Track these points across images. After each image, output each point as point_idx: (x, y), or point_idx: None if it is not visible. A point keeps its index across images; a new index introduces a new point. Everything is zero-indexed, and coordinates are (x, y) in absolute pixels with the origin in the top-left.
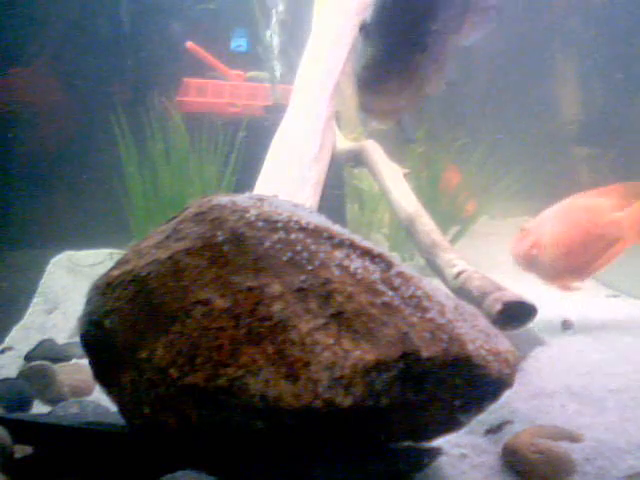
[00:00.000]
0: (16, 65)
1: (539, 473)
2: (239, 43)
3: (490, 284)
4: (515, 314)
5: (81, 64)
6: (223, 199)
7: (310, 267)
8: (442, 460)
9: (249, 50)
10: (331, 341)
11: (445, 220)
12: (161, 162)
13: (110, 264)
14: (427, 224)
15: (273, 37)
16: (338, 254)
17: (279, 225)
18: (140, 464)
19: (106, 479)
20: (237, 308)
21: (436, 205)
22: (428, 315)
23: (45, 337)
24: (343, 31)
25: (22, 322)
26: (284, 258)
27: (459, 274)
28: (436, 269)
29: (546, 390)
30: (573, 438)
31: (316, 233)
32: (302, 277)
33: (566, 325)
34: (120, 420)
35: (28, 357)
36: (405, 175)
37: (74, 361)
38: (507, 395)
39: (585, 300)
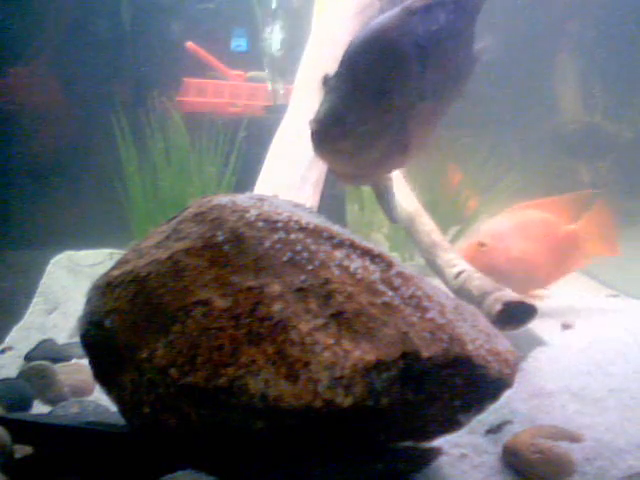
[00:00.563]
0: (16, 65)
1: (539, 473)
2: (239, 43)
3: (490, 284)
4: (515, 314)
5: (81, 64)
6: (223, 199)
7: (310, 267)
8: (442, 460)
9: (249, 50)
10: (331, 341)
11: (445, 220)
12: (161, 162)
13: (110, 264)
14: (427, 224)
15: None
16: (338, 254)
17: (279, 225)
18: (140, 464)
19: (106, 479)
20: (237, 308)
21: (436, 205)
22: (428, 315)
23: (45, 337)
24: (343, 31)
25: (22, 322)
26: (284, 258)
27: (459, 274)
28: (436, 269)
29: (546, 390)
30: (573, 438)
31: (316, 233)
32: (302, 277)
33: (566, 325)
34: (120, 420)
35: (28, 357)
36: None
37: (74, 361)
38: (507, 395)
39: (585, 300)
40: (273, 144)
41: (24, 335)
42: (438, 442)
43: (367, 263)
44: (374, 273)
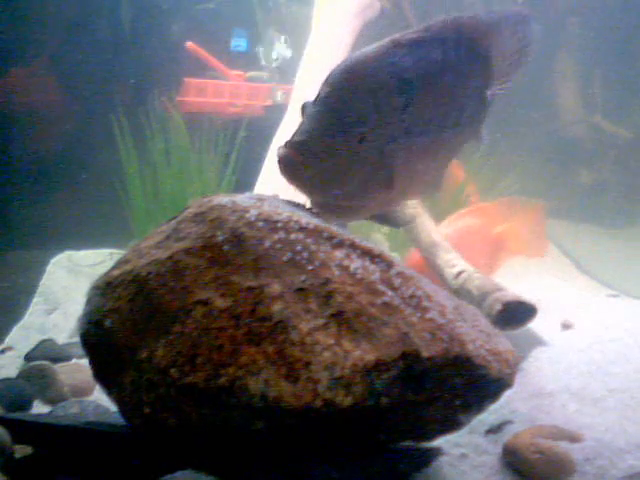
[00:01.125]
0: (16, 65)
1: (539, 473)
2: (238, 43)
3: (490, 284)
4: (515, 314)
5: (81, 64)
6: (223, 199)
7: (310, 267)
8: (442, 460)
9: (249, 50)
10: (331, 341)
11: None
12: (161, 162)
13: (110, 264)
14: (427, 224)
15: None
16: (338, 254)
17: (279, 225)
18: (140, 464)
19: (106, 479)
20: (237, 308)
21: (437, 202)
22: (428, 315)
23: (45, 337)
24: (343, 32)
25: (22, 322)
26: (284, 258)
27: (459, 274)
28: (436, 269)
29: (546, 390)
30: (573, 438)
31: (316, 233)
32: (302, 277)
33: (566, 325)
34: (120, 420)
35: (28, 357)
36: None
37: (74, 361)
38: (507, 395)
39: (585, 300)
40: (274, 143)
41: (24, 335)
42: (438, 442)
43: (367, 263)
44: (374, 273)
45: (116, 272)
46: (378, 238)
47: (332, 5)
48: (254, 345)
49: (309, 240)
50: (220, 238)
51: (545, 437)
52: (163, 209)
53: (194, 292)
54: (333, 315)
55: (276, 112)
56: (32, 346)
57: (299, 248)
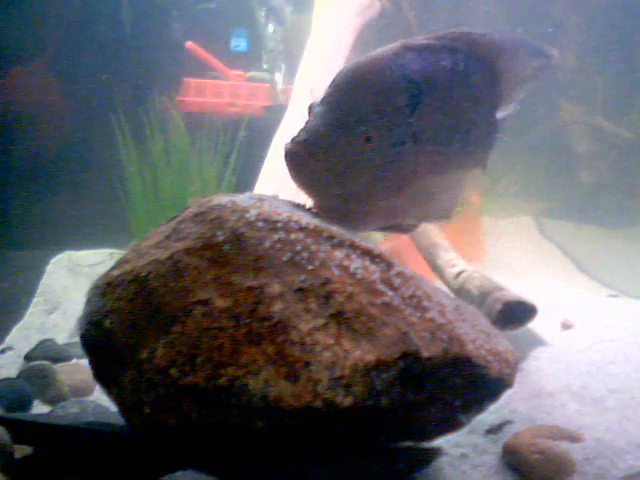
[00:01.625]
0: (16, 65)
1: (539, 473)
2: (238, 43)
3: (490, 284)
4: (515, 314)
5: (81, 64)
6: (223, 199)
7: (310, 267)
8: (442, 460)
9: (249, 50)
10: (331, 341)
11: None
12: (161, 162)
13: (110, 264)
14: (427, 224)
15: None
16: (338, 254)
17: (279, 225)
18: (140, 464)
19: (106, 479)
20: (237, 308)
21: None
22: (428, 315)
23: (45, 337)
24: (343, 31)
25: (22, 322)
26: (284, 258)
27: (459, 274)
28: (436, 269)
29: (546, 390)
30: (573, 438)
31: (316, 233)
32: (302, 277)
33: (566, 325)
34: (120, 420)
35: (28, 357)
36: None
37: (74, 361)
38: (507, 395)
39: (585, 300)
40: (273, 143)
41: (24, 335)
42: (438, 442)
43: (367, 263)
44: (374, 273)
45: (116, 272)
46: (378, 238)
47: (332, 5)
48: (254, 345)
49: (309, 240)
50: (220, 238)
51: (545, 437)
52: (163, 209)
53: (194, 292)
54: (333, 315)
55: (276, 112)
56: (32, 346)
57: (299, 248)
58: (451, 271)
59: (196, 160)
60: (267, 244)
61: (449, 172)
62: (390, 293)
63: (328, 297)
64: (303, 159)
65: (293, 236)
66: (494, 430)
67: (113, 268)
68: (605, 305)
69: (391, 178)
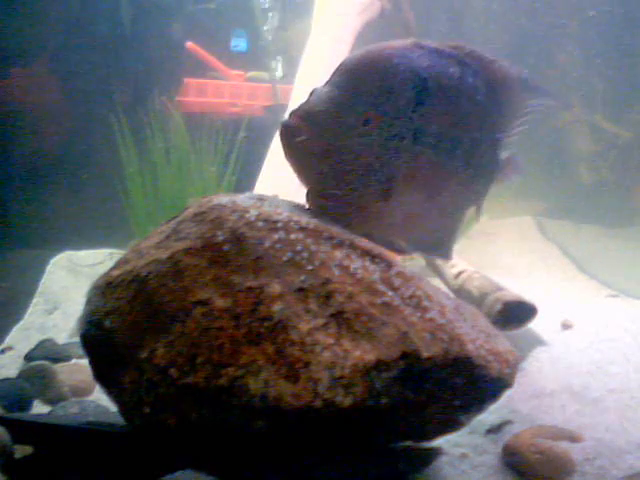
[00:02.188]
0: (16, 65)
1: (539, 473)
2: (238, 43)
3: (490, 284)
4: (515, 314)
5: (81, 64)
6: (223, 199)
7: (310, 267)
8: (442, 460)
9: (249, 50)
10: (331, 341)
11: None
12: (161, 162)
13: (110, 264)
14: None
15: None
16: (338, 254)
17: (279, 225)
18: (140, 464)
19: (106, 479)
20: (237, 308)
21: None
22: (428, 315)
23: (45, 337)
24: (343, 31)
25: (22, 322)
26: (284, 258)
27: (459, 274)
28: (436, 269)
29: (546, 390)
30: (573, 438)
31: (316, 233)
32: (302, 277)
33: (566, 325)
34: (120, 420)
35: (28, 357)
36: None
37: (74, 361)
38: (507, 395)
39: (585, 300)
40: (273, 143)
41: (24, 335)
42: (438, 442)
43: (367, 263)
44: (374, 273)
45: (116, 272)
46: None
47: (332, 5)
48: (254, 345)
49: (309, 240)
50: (220, 238)
51: (545, 437)
52: (163, 209)
53: (194, 292)
54: (333, 315)
55: (276, 112)
56: (32, 346)
57: (299, 248)
58: (451, 271)
59: (196, 160)
60: (267, 244)
61: (447, 190)
62: (390, 293)
63: (328, 297)
64: (297, 130)
65: (293, 236)
66: (494, 430)
67: (113, 268)
68: (605, 305)
69: (385, 175)
